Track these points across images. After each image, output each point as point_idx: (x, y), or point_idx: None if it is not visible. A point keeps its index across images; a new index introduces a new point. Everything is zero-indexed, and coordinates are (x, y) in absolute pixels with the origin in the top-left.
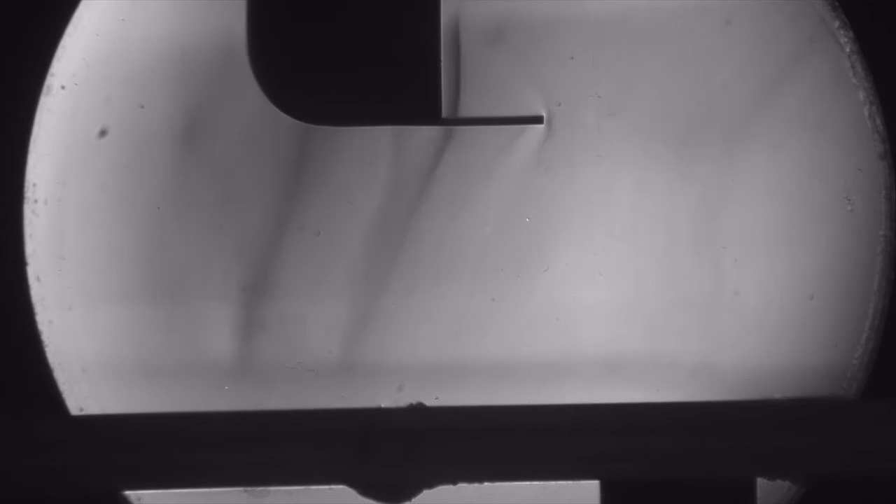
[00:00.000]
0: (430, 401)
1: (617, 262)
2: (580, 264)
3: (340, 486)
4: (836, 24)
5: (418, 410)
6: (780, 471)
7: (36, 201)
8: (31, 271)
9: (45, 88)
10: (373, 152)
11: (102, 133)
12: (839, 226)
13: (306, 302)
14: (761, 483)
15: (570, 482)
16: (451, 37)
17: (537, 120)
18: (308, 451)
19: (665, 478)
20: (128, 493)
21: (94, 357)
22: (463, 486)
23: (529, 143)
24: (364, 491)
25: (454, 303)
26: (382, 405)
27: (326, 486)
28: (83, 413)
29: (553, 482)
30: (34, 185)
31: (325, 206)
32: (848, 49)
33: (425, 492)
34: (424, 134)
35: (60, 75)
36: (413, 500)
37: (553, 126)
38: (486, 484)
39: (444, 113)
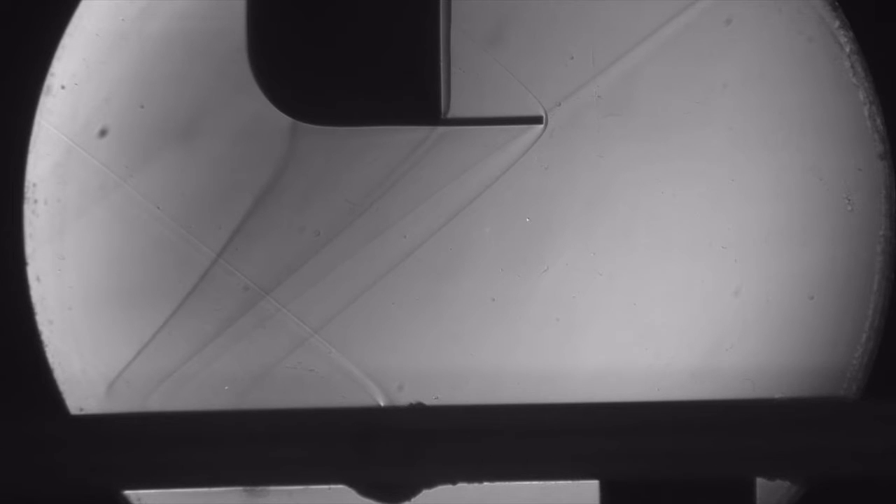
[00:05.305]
0: (430, 401)
1: (617, 262)
2: (580, 264)
3: (340, 486)
4: (836, 24)
5: (418, 410)
6: (780, 471)
7: (36, 201)
8: (31, 271)
9: (45, 88)
10: (372, 152)
11: (102, 133)
12: (839, 226)
13: (306, 302)
14: (761, 483)
15: (570, 482)
16: (451, 37)
17: (537, 120)
18: (308, 451)
19: (665, 478)
20: (128, 493)
21: (94, 357)
22: (463, 486)
23: (529, 143)
24: (364, 491)
25: (454, 303)
26: (382, 405)
27: (326, 486)
28: (83, 413)
29: (553, 482)
30: (34, 185)
31: (325, 206)
32: (848, 49)
33: (425, 492)
34: (424, 134)
35: (60, 75)
36: (413, 500)
37: (553, 126)
38: (486, 484)
39: (444, 113)
